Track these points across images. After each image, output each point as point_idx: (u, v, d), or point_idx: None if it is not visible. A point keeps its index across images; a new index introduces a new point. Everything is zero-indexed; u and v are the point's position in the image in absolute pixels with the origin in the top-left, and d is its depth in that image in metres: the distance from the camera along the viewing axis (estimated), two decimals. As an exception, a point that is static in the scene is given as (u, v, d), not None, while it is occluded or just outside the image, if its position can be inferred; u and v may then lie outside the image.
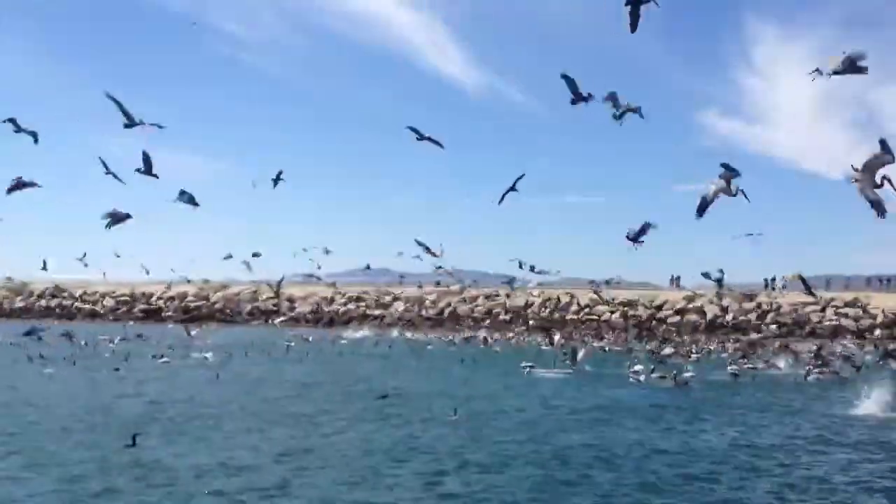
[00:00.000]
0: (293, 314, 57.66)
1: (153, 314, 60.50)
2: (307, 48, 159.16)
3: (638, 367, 25.53)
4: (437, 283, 56.23)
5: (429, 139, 15.61)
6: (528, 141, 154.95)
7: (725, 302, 50.02)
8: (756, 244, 19.68)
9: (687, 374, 24.59)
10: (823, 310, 48.55)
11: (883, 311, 46.85)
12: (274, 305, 59.30)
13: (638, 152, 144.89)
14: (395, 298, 57.50)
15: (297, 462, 12.30)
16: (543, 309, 53.43)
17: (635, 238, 12.76)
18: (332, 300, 58.88)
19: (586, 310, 52.41)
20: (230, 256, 39.18)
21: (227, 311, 60.09)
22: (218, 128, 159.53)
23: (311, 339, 40.63)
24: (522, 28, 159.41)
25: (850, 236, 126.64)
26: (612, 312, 51.72)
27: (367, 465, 12.14)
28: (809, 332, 47.27)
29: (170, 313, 59.94)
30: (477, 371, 27.16)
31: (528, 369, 26.10)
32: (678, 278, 49.73)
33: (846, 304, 48.57)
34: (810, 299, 48.70)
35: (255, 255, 38.81)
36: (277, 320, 54.88)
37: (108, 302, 62.44)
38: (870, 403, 18.34)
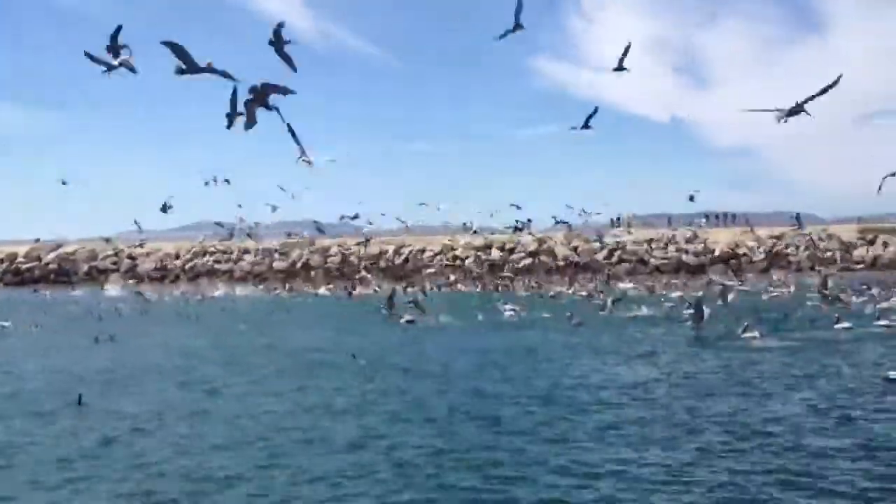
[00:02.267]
0: (134, 273, 54.26)
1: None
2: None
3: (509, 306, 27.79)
4: (289, 235, 54.15)
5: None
6: (374, 90, 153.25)
7: (575, 243, 50.85)
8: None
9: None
10: (665, 246, 50.20)
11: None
12: (113, 264, 55.57)
13: (477, 97, 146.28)
14: (245, 251, 54.94)
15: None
16: (397, 257, 52.55)
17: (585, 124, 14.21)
18: (177, 255, 55.67)
19: (440, 256, 51.97)
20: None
21: (62, 271, 55.75)
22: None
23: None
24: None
25: (678, 177, 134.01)
26: (466, 258, 51.50)
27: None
28: (654, 268, 48.86)
29: (-4, 277, 55.11)
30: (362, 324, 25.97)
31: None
32: (529, 221, 49.84)
33: (686, 241, 50.36)
34: (653, 235, 50.46)
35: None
36: (109, 284, 51.27)
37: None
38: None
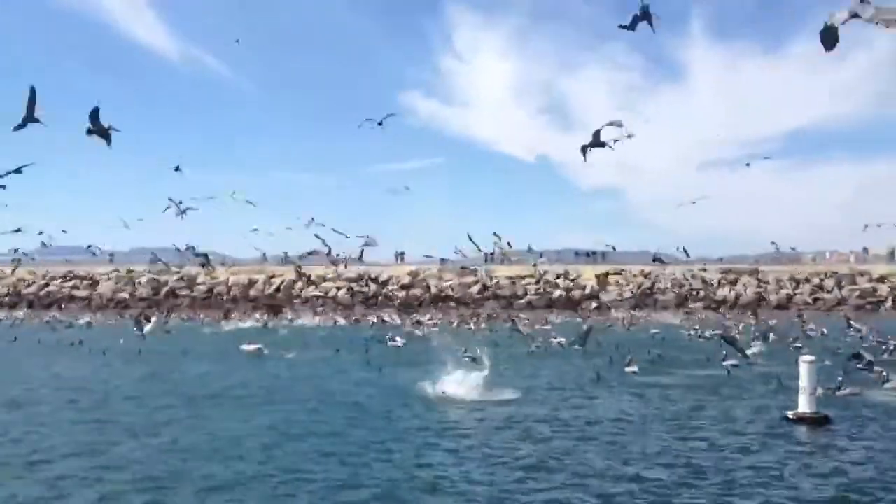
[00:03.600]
0: (-18, 298, 50.62)
1: None
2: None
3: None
4: (152, 261, 51.73)
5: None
6: (232, 116, 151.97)
7: (447, 276, 50.59)
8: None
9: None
10: (538, 282, 50.54)
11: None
12: (-40, 289, 51.79)
13: (343, 131, 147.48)
14: (105, 278, 52.20)
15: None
16: (268, 286, 51.00)
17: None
18: (31, 282, 52.35)
19: (312, 287, 50.72)
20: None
21: None
22: None
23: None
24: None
25: (542, 213, 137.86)
26: (339, 289, 50.45)
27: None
28: (527, 304, 48.98)
29: None
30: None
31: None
32: (402, 254, 49.34)
33: (558, 277, 50.88)
34: (525, 272, 50.76)
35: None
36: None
37: None
38: None
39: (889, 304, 47.35)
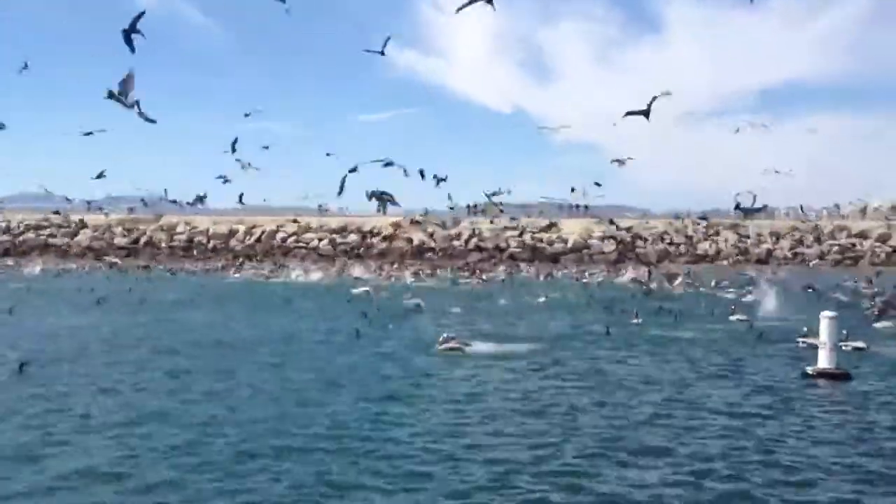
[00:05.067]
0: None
1: None
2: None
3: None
4: (131, 210, 51.10)
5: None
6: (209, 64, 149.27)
7: (430, 229, 50.32)
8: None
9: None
10: (521, 234, 50.42)
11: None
12: (-67, 235, 50.83)
13: (325, 82, 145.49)
14: (83, 226, 51.40)
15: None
16: (248, 237, 50.52)
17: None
18: (7, 229, 51.45)
19: (294, 237, 50.32)
20: None
21: None
22: None
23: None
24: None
25: (518, 166, 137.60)
26: (321, 240, 50.07)
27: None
28: (509, 256, 48.86)
29: None
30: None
31: None
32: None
33: (541, 230, 50.78)
34: (509, 224, 50.65)
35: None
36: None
37: None
38: None
39: (867, 259, 47.82)
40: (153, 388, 11.13)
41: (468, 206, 52.58)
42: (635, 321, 19.32)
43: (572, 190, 48.43)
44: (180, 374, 12.22)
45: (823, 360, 12.59)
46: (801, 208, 56.16)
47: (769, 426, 9.45)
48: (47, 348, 14.58)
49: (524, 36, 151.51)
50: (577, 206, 51.43)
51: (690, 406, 10.46)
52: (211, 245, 49.90)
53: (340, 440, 8.45)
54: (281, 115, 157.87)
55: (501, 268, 41.71)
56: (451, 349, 14.45)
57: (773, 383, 12.12)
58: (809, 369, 12.66)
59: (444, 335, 15.00)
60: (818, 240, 50.19)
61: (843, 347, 14.32)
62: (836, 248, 49.15)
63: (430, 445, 8.32)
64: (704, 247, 50.00)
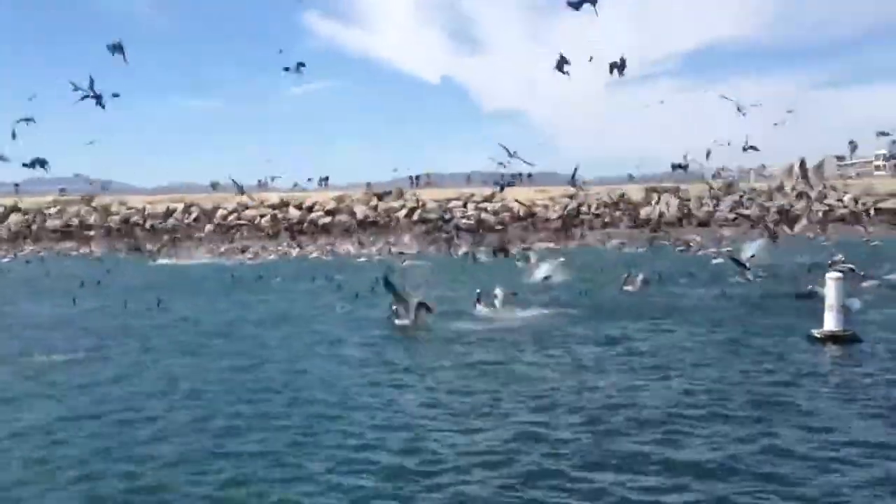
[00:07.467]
0: None
1: None
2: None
3: None
4: (62, 191, 49.52)
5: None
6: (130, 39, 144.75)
7: (373, 202, 49.75)
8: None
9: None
10: (465, 205, 50.13)
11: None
12: None
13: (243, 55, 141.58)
14: (14, 209, 49.67)
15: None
16: (187, 216, 49.38)
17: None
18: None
19: (235, 214, 49.32)
20: None
21: None
22: None
23: None
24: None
25: (446, 137, 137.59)
26: (262, 216, 49.17)
27: None
28: (455, 227, 48.54)
29: None
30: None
31: None
32: (326, 179, 48.24)
33: (484, 199, 50.51)
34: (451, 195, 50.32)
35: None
36: None
37: None
38: None
39: (804, 221, 48.53)
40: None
41: (410, 178, 52.10)
42: (627, 288, 19.08)
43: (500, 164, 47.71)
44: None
45: (830, 323, 12.06)
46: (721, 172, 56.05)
47: (774, 385, 9.16)
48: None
49: (450, 4, 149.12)
50: (520, 175, 51.13)
51: (697, 366, 10.36)
52: (148, 225, 48.70)
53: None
54: (203, 92, 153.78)
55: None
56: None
57: (781, 350, 11.47)
58: (816, 332, 12.13)
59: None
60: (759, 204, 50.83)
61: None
62: (774, 210, 49.85)
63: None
64: (647, 211, 50.34)
